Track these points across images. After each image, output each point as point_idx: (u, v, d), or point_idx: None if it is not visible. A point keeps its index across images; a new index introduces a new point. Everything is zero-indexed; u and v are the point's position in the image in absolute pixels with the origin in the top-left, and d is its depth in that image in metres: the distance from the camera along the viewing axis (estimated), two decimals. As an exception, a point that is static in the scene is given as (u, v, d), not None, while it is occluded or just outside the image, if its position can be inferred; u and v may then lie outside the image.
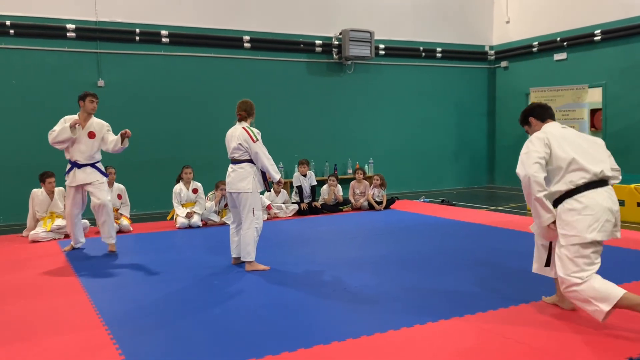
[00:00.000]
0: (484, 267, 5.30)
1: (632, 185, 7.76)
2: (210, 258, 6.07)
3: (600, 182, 3.57)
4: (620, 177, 3.75)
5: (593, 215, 3.48)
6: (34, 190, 7.70)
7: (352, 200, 9.77)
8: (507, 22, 12.99)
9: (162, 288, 4.87)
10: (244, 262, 5.53)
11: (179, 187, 8.39)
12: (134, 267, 5.78)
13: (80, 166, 6.34)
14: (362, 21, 11.63)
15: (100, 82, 9.60)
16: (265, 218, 8.49)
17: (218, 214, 8.59)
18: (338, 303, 4.29)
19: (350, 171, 11.55)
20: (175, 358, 3.27)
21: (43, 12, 9.19)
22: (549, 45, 11.92)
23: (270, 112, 10.54)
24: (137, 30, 9.78)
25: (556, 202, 3.63)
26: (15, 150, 9.09)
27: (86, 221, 7.87)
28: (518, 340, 3.38)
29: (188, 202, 8.37)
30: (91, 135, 6.39)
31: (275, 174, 5.58)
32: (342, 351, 3.29)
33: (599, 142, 3.82)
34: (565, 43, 11.57)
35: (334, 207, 9.58)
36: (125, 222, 7.97)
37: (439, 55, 12.65)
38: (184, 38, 10.15)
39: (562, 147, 3.64)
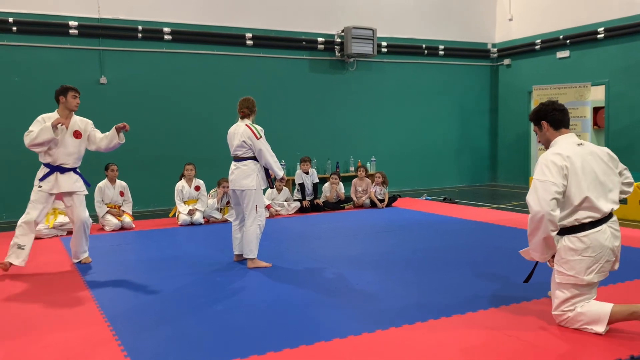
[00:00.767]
0: (485, 265, 5.29)
1: (635, 184, 7.74)
2: (212, 255, 6.08)
3: (606, 218, 3.44)
4: (632, 190, 3.67)
5: (593, 258, 3.39)
6: (37, 187, 7.70)
7: (354, 198, 9.77)
8: (510, 19, 12.97)
9: (164, 285, 4.88)
10: (246, 259, 5.54)
11: (181, 184, 8.40)
12: (136, 264, 5.80)
13: (64, 170, 5.50)
14: (365, 19, 11.61)
15: (103, 79, 9.61)
16: (267, 216, 8.50)
17: (220, 211, 8.60)
18: (340, 300, 4.30)
19: (352, 169, 11.55)
20: (176, 354, 3.28)
21: (45, 9, 9.19)
22: (551, 43, 11.90)
23: (272, 110, 10.54)
24: (140, 28, 9.78)
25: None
26: (17, 147, 9.05)
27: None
28: (520, 338, 3.38)
29: (190, 200, 8.38)
30: (77, 134, 5.59)
31: (279, 171, 5.59)
32: (343, 348, 3.30)
33: (613, 161, 3.59)
34: (568, 41, 11.54)
35: (336, 205, 9.58)
36: (127, 219, 7.98)
37: (441, 52, 12.64)
38: (186, 35, 10.16)
39: (578, 184, 3.38)
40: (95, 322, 3.90)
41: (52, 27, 9.22)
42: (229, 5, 10.55)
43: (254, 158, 5.51)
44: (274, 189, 9.19)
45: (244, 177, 5.48)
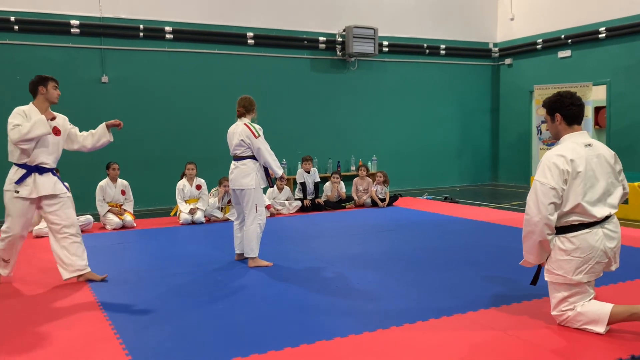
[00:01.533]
0: (486, 265, 5.29)
1: (636, 184, 7.75)
2: (214, 254, 6.09)
3: (600, 222, 3.41)
4: (625, 197, 3.64)
5: (582, 258, 3.37)
6: (38, 185, 7.71)
7: (355, 197, 9.77)
8: (512, 19, 12.96)
9: (165, 283, 4.89)
10: (247, 258, 5.55)
11: (182, 183, 8.41)
12: (137, 262, 5.80)
13: (42, 171, 4.82)
14: (366, 18, 11.61)
15: (104, 78, 9.62)
16: (267, 215, 8.50)
17: (221, 210, 8.61)
18: (340, 299, 4.30)
19: (353, 168, 11.55)
20: (177, 352, 3.28)
21: (47, 8, 9.20)
22: (553, 43, 11.89)
23: (273, 109, 10.55)
24: (141, 27, 9.79)
25: None
26: (19, 146, 9.10)
27: (89, 216, 7.91)
28: (521, 337, 3.38)
29: (191, 198, 8.38)
30: (56, 131, 4.90)
31: (278, 169, 5.58)
32: (344, 347, 3.30)
33: (618, 164, 3.55)
34: (569, 40, 11.53)
35: (337, 204, 9.58)
36: (128, 218, 8.00)
37: (442, 52, 12.63)
38: (187, 34, 10.16)
39: (576, 189, 3.35)
40: (96, 320, 3.90)
41: (54, 26, 9.23)
42: (231, 4, 10.55)
43: (253, 157, 5.52)
44: (275, 188, 9.20)
45: (243, 176, 5.48)
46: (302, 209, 9.28)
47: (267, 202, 8.78)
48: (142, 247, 6.66)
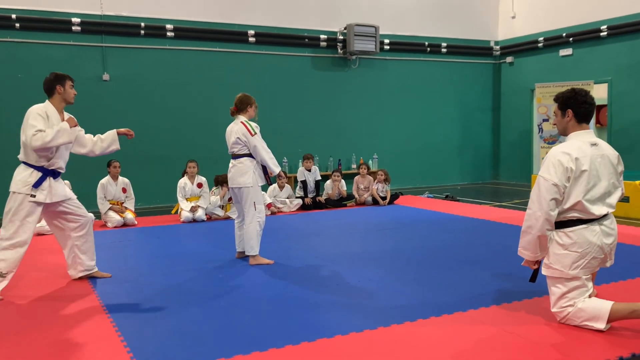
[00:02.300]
0: (487, 263, 5.30)
1: (637, 182, 7.74)
2: (215, 252, 6.09)
3: (597, 218, 3.44)
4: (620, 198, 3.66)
5: (579, 253, 3.41)
6: (40, 183, 7.72)
7: (356, 195, 9.77)
8: (513, 17, 12.95)
9: (166, 280, 4.90)
10: (248, 256, 5.55)
11: (184, 181, 8.41)
12: (139, 260, 5.81)
13: (57, 176, 4.76)
14: (367, 16, 11.60)
15: (106, 76, 9.63)
16: (268, 214, 8.51)
17: (222, 208, 8.61)
18: (341, 297, 4.30)
19: (354, 166, 11.55)
20: (178, 349, 3.29)
21: (48, 6, 9.20)
22: (554, 41, 11.88)
23: (274, 107, 10.55)
24: (142, 25, 9.79)
25: None
26: (20, 144, 9.10)
27: (91, 214, 7.89)
28: (521, 335, 3.39)
29: (192, 196, 8.39)
30: None
31: (275, 167, 5.57)
32: (345, 345, 3.31)
33: (620, 165, 3.58)
34: (571, 39, 11.52)
35: (338, 202, 9.58)
36: (130, 215, 8.00)
37: (444, 50, 12.62)
38: (188, 32, 10.16)
39: (577, 188, 3.38)
40: (97, 317, 3.91)
41: (55, 24, 9.24)
42: (232, 2, 10.54)
43: (251, 155, 5.51)
44: (276, 186, 9.21)
45: (240, 174, 5.48)
46: (303, 207, 9.28)
47: (268, 201, 8.79)
48: (144, 245, 6.67)
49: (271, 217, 8.29)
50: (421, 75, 12.44)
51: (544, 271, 3.58)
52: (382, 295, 4.32)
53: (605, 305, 3.37)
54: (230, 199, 8.53)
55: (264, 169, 5.59)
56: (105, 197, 7.98)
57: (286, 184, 9.36)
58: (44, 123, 4.57)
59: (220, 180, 8.51)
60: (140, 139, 9.81)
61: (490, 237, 6.71)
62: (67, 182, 7.83)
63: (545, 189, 3.39)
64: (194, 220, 8.16)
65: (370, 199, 9.68)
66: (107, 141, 4.91)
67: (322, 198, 9.53)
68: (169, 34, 10.00)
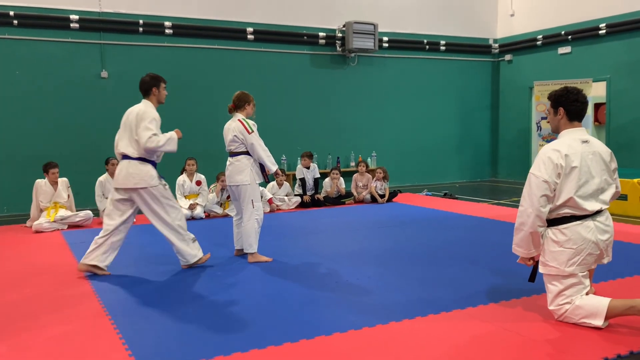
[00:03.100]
0: (485, 260, 5.30)
1: (635, 180, 7.75)
2: (213, 249, 6.08)
3: (591, 215, 3.46)
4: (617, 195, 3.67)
5: (575, 250, 3.43)
6: (38, 180, 7.73)
7: (355, 193, 9.78)
8: (512, 15, 12.94)
9: (164, 278, 4.90)
10: (246, 253, 5.56)
11: (182, 178, 8.41)
12: (137, 257, 5.81)
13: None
14: (366, 13, 11.59)
15: (104, 73, 9.61)
16: (268, 211, 8.51)
17: (221, 206, 8.61)
18: (340, 295, 4.31)
19: (353, 164, 11.55)
20: (177, 347, 3.29)
21: (46, 3, 9.19)
22: (553, 39, 11.88)
23: (273, 104, 10.54)
24: (141, 22, 9.77)
25: None
26: (18, 141, 9.11)
27: (89, 212, 7.91)
28: (519, 333, 3.39)
29: (191, 194, 8.39)
30: None
31: (272, 165, 5.56)
32: (344, 342, 3.31)
33: (613, 162, 3.61)
34: (569, 37, 11.52)
35: (337, 200, 9.59)
36: (128, 213, 7.98)
37: (442, 48, 12.62)
38: (187, 29, 10.14)
39: (569, 184, 3.42)
40: (96, 314, 3.91)
41: (53, 21, 9.21)
42: (230, -1, 10.54)
43: (248, 153, 5.51)
44: (275, 184, 9.21)
45: (237, 172, 5.48)
46: (302, 205, 9.28)
47: (269, 196, 8.79)
48: (142, 242, 6.67)
49: (270, 214, 8.29)
50: (420, 73, 12.44)
51: (540, 269, 3.60)
52: (381, 293, 4.33)
53: (602, 302, 3.38)
54: (228, 197, 8.53)
55: (262, 167, 5.59)
56: (104, 194, 7.97)
57: (285, 182, 9.36)
58: (157, 126, 5.07)
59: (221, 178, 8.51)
60: (139, 136, 9.84)
61: (489, 234, 6.72)
62: (65, 179, 7.86)
63: (535, 186, 3.45)
64: (193, 218, 8.16)
65: (368, 196, 9.68)
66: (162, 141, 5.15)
67: (321, 196, 9.53)
68: (167, 31, 9.99)
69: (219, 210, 8.53)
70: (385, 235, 6.87)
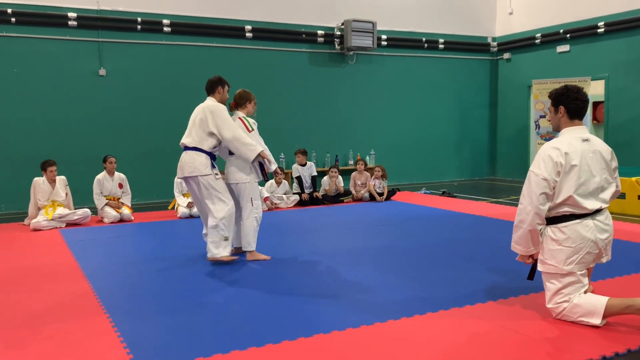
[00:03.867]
0: (484, 259, 5.31)
1: (634, 178, 7.76)
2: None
3: (591, 213, 3.46)
4: (617, 194, 3.68)
5: (573, 248, 3.43)
6: (36, 178, 7.72)
7: (353, 192, 9.77)
8: (510, 13, 12.94)
9: (163, 276, 4.89)
10: (245, 251, 5.55)
11: (180, 176, 8.38)
12: (135, 256, 5.80)
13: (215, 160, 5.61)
14: (365, 12, 11.58)
15: (102, 71, 9.59)
16: (266, 209, 8.50)
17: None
18: (338, 293, 4.31)
19: (351, 162, 11.55)
20: (175, 345, 3.29)
21: (44, 1, 9.16)
22: (551, 37, 11.87)
23: (271, 103, 10.52)
24: (139, 19, 9.75)
25: None
26: (16, 139, 9.09)
27: (87, 210, 7.90)
28: (517, 331, 3.39)
29: (189, 192, 8.36)
30: None
31: (272, 165, 5.61)
32: (342, 340, 3.31)
33: (614, 160, 3.61)
34: (568, 35, 11.52)
35: (335, 198, 9.58)
36: (126, 211, 7.99)
37: (441, 46, 12.61)
38: (185, 27, 10.13)
39: (568, 182, 3.42)
40: (94, 313, 3.90)
41: (51, 19, 9.19)
42: (229, -3, 10.52)
43: None
44: (274, 182, 9.20)
45: (237, 170, 5.48)
46: (300, 203, 9.28)
47: (265, 194, 8.78)
48: (140, 241, 6.66)
49: (268, 213, 8.29)
50: (418, 72, 12.43)
51: (539, 267, 3.60)
52: (379, 291, 4.33)
53: (600, 301, 3.38)
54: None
55: (261, 165, 5.59)
56: (102, 192, 7.96)
57: (283, 180, 9.36)
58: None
59: None
60: (137, 134, 9.84)
61: (487, 233, 6.72)
62: (63, 177, 7.85)
63: (535, 184, 3.45)
64: (191, 216, 8.15)
65: (367, 195, 9.68)
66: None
67: (319, 194, 9.53)
68: (165, 29, 9.97)
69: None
70: (383, 234, 6.87)
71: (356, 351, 3.15)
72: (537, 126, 11.25)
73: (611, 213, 3.73)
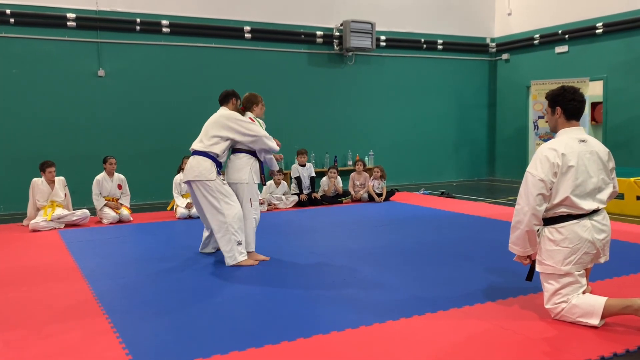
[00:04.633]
0: (482, 259, 5.31)
1: (632, 179, 7.76)
2: (210, 248, 6.08)
3: (588, 214, 3.47)
4: (614, 195, 3.69)
5: (571, 249, 3.44)
6: (35, 179, 7.72)
7: (352, 192, 9.78)
8: (509, 14, 12.95)
9: (161, 277, 4.89)
10: (244, 252, 5.55)
11: (180, 177, 8.39)
12: (134, 257, 5.80)
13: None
14: (364, 12, 11.59)
15: (101, 72, 9.59)
16: (264, 210, 8.50)
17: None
18: (337, 293, 4.31)
19: (350, 163, 11.55)
20: (174, 346, 3.29)
21: (43, 1, 9.16)
22: (550, 38, 11.89)
23: (270, 103, 10.40)
24: (138, 20, 9.75)
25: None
26: (15, 140, 9.09)
27: (86, 210, 7.89)
28: (516, 331, 3.40)
29: (188, 193, 8.36)
30: None
31: (274, 166, 5.74)
32: (341, 341, 3.31)
33: (611, 161, 3.62)
34: (566, 36, 11.54)
35: (334, 199, 9.59)
36: (125, 212, 7.98)
37: (440, 47, 12.62)
38: (184, 28, 10.13)
39: (565, 183, 3.43)
40: (93, 314, 3.90)
41: (50, 19, 9.19)
42: (228, -2, 10.52)
43: (249, 152, 5.52)
44: (272, 183, 9.20)
45: (237, 170, 5.48)
46: (299, 204, 9.28)
47: (261, 195, 8.77)
48: (139, 242, 6.66)
49: (267, 213, 8.29)
50: (417, 72, 12.44)
51: (537, 268, 3.61)
52: (378, 291, 4.33)
53: (599, 301, 3.39)
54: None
55: (261, 167, 5.60)
56: (101, 193, 7.96)
57: (282, 181, 9.36)
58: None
59: None
60: (136, 135, 9.84)
61: (486, 233, 6.73)
62: (61, 178, 7.84)
63: (532, 184, 3.46)
64: (190, 217, 8.14)
65: (366, 195, 9.69)
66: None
67: (318, 195, 9.53)
68: (164, 29, 9.97)
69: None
70: (382, 234, 6.87)
71: (355, 352, 3.16)
72: (536, 127, 11.26)
73: (609, 213, 3.74)
